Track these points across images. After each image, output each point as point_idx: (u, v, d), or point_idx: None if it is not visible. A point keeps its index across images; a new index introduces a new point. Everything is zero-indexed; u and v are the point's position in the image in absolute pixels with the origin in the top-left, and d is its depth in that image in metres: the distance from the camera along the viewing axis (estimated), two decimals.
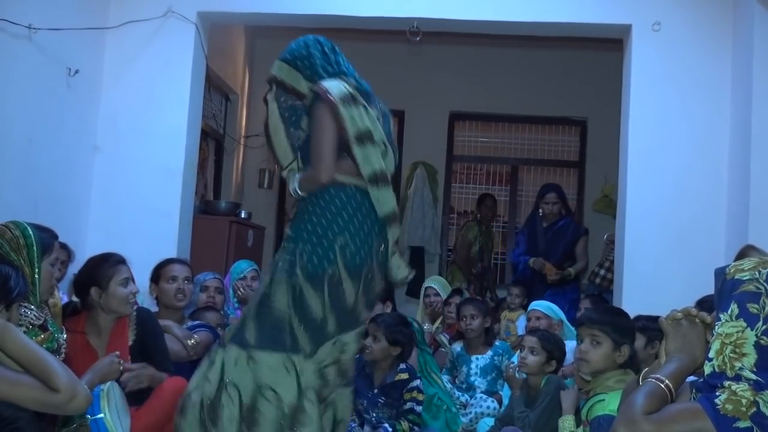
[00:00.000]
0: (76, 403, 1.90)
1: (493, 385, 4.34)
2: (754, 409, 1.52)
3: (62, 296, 3.33)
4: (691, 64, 4.51)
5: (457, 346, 4.54)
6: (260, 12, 4.85)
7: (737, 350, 1.59)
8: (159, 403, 2.90)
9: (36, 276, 2.51)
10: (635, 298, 4.31)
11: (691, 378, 1.78)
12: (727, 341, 1.61)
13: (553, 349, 3.47)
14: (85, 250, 4.16)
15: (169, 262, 3.76)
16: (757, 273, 1.65)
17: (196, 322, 3.58)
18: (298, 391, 2.65)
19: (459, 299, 5.04)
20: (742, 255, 2.94)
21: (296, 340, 2.68)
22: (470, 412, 4.06)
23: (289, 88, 3.00)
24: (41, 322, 2.49)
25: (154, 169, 4.71)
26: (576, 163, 8.10)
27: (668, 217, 4.45)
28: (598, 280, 6.05)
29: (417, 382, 3.70)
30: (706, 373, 1.63)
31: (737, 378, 1.57)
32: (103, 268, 3.02)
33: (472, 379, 4.32)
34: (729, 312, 1.63)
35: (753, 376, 1.56)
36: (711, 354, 1.63)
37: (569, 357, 3.60)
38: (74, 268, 3.68)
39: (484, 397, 4.16)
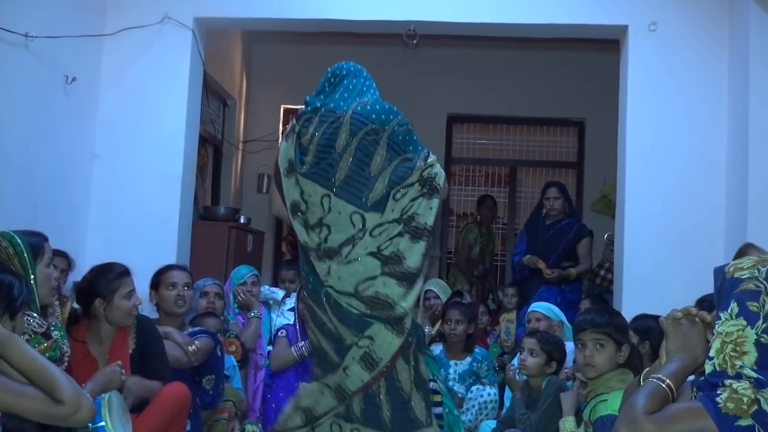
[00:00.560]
0: (81, 415, 1.90)
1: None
2: (756, 407, 1.52)
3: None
4: (688, 64, 4.52)
5: (437, 348, 4.52)
6: (257, 17, 4.85)
7: (738, 349, 1.59)
8: (159, 410, 2.90)
9: (32, 282, 2.50)
10: (635, 298, 4.32)
11: (692, 377, 1.78)
12: (727, 340, 1.61)
13: (553, 350, 3.47)
14: (84, 257, 4.16)
15: (168, 268, 3.75)
16: (756, 271, 1.65)
17: (197, 329, 3.58)
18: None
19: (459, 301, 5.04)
20: (741, 253, 2.95)
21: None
22: (472, 406, 4.05)
23: None
24: (44, 329, 2.49)
25: (153, 176, 4.71)
26: (574, 163, 8.10)
27: (667, 217, 4.45)
28: (598, 281, 6.04)
29: (432, 384, 3.70)
30: (706, 371, 1.63)
31: (738, 376, 1.57)
32: (108, 279, 3.02)
33: (450, 383, 4.31)
34: (729, 311, 1.63)
35: (754, 374, 1.56)
36: (711, 353, 1.63)
37: (570, 358, 3.60)
38: (74, 275, 3.69)
39: (480, 387, 4.15)
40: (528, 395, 3.49)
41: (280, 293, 4.76)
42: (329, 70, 3.09)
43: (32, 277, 2.50)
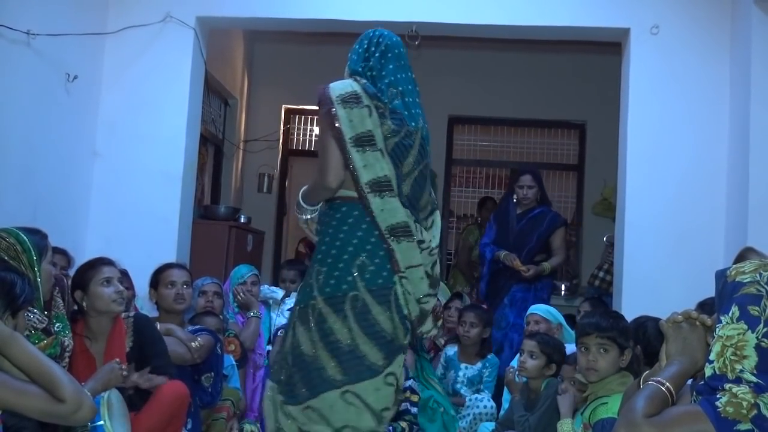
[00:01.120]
0: (82, 414, 1.90)
1: None
2: (755, 411, 1.52)
3: None
4: (690, 67, 4.52)
5: (450, 350, 4.51)
6: (259, 17, 4.86)
7: (738, 353, 1.59)
8: (158, 408, 2.90)
9: (38, 280, 2.51)
10: (635, 300, 4.31)
11: (692, 380, 1.78)
12: (727, 344, 1.61)
13: (553, 352, 3.47)
14: (84, 256, 4.15)
15: (167, 267, 3.76)
16: (758, 275, 1.65)
17: (197, 327, 3.58)
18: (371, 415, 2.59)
19: (459, 303, 5.03)
20: (741, 257, 2.94)
21: (327, 371, 2.58)
22: (468, 414, 4.05)
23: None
24: (44, 325, 2.49)
25: (154, 174, 4.72)
26: (575, 166, 8.10)
27: (667, 220, 4.45)
28: (597, 283, 6.03)
29: (409, 383, 3.70)
30: (706, 375, 1.63)
31: (738, 380, 1.56)
32: (83, 270, 3.04)
33: (458, 386, 4.31)
34: (730, 314, 1.63)
35: (754, 379, 1.55)
36: (712, 356, 1.63)
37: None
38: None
39: (480, 397, 4.14)
40: (527, 397, 3.49)
41: (279, 293, 4.76)
42: (374, 41, 2.85)
43: (38, 274, 2.51)
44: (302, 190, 2.80)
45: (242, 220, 5.88)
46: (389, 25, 4.77)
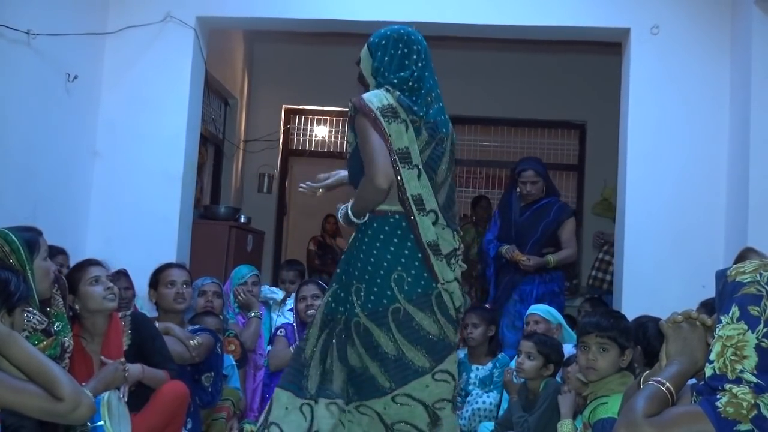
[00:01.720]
0: (80, 412, 1.90)
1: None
2: (755, 412, 1.52)
3: None
4: (690, 68, 4.51)
5: (461, 353, 4.49)
6: (259, 17, 4.86)
7: (738, 353, 1.59)
8: (158, 408, 2.90)
9: (30, 278, 2.50)
10: (635, 300, 4.31)
11: (692, 381, 1.78)
12: (728, 344, 1.61)
13: (550, 352, 3.47)
14: (84, 255, 4.14)
15: (167, 266, 3.76)
16: (758, 275, 1.65)
17: (196, 326, 3.58)
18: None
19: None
20: (741, 258, 2.94)
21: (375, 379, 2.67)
22: (467, 410, 4.04)
23: (360, 72, 2.91)
24: (44, 326, 2.49)
25: (154, 174, 4.72)
26: (575, 166, 8.10)
27: (667, 220, 4.45)
28: (591, 281, 6.03)
29: None
30: (706, 375, 1.63)
31: (738, 381, 1.56)
32: (71, 274, 3.03)
33: (470, 388, 4.30)
34: (730, 314, 1.63)
35: (754, 379, 1.55)
36: (712, 356, 1.63)
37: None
38: None
39: (479, 392, 4.14)
40: (525, 398, 3.48)
41: (279, 293, 4.76)
42: (402, 39, 2.83)
43: (30, 272, 2.50)
44: (349, 203, 2.77)
45: (242, 220, 5.88)
46: (389, 25, 4.81)
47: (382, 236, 2.71)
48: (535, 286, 4.63)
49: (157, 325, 3.29)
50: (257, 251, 6.21)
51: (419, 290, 2.68)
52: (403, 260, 2.68)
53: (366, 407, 2.69)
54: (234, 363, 3.86)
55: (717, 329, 1.65)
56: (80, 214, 4.65)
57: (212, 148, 7.07)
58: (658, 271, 4.40)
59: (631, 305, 4.22)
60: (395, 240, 2.70)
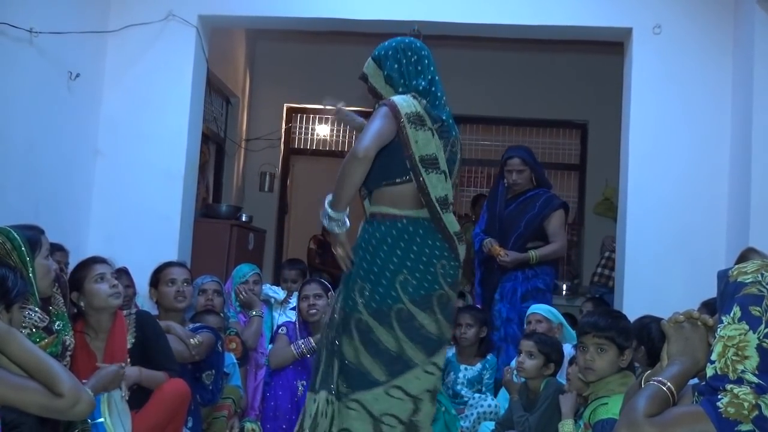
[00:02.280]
0: (80, 409, 1.90)
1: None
2: (756, 412, 1.52)
3: None
4: (692, 67, 4.51)
5: (449, 352, 4.47)
6: (261, 15, 4.86)
7: (740, 353, 1.59)
8: (159, 406, 2.90)
9: (31, 276, 2.50)
10: (636, 300, 4.31)
11: (693, 380, 1.78)
12: (729, 344, 1.61)
13: (551, 352, 3.46)
14: (86, 254, 4.15)
15: (167, 265, 3.76)
16: (760, 276, 1.65)
17: (197, 325, 3.58)
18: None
19: (461, 302, 5.02)
20: (743, 258, 2.93)
21: (371, 372, 2.75)
22: (471, 414, 4.03)
23: (369, 84, 2.97)
24: (45, 324, 2.49)
25: (155, 173, 4.72)
26: (577, 166, 8.09)
27: (669, 220, 4.45)
28: (596, 279, 6.03)
29: None
30: (708, 375, 1.63)
31: (739, 381, 1.56)
32: (77, 270, 3.04)
33: (459, 388, 4.30)
34: (731, 315, 1.63)
35: (755, 380, 1.55)
36: (713, 356, 1.63)
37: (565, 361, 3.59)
38: None
39: (483, 396, 4.13)
40: (526, 397, 3.48)
41: (280, 292, 4.76)
42: (410, 47, 2.92)
43: (31, 270, 2.50)
44: (327, 198, 2.80)
45: (244, 219, 5.88)
46: (391, 24, 4.81)
47: (390, 240, 2.79)
48: (519, 283, 4.45)
49: None
50: (258, 250, 6.22)
51: (422, 292, 2.77)
52: (408, 264, 2.77)
53: (354, 401, 2.75)
54: (235, 361, 3.86)
55: (718, 329, 1.65)
56: (82, 213, 4.65)
57: (214, 146, 7.07)
58: (660, 270, 4.40)
59: (632, 305, 4.22)
60: (402, 244, 2.78)
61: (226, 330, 3.91)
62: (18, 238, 2.49)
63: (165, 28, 4.74)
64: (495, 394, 4.18)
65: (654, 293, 4.28)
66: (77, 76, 4.38)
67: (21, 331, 2.10)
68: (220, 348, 3.53)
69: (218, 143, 7.10)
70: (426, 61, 2.92)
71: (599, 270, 6.05)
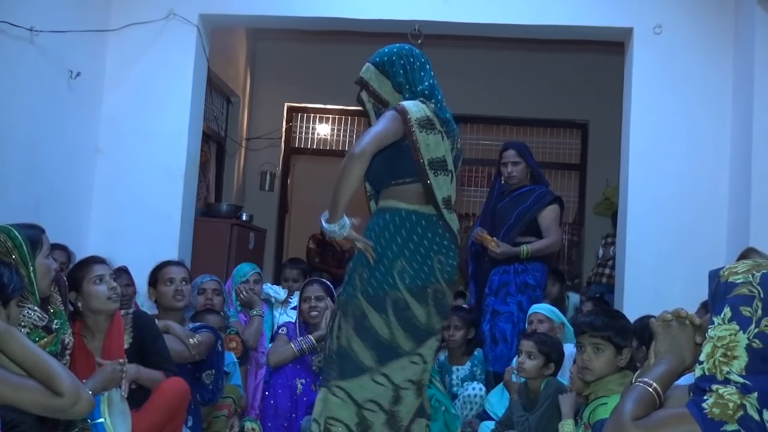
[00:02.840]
0: (80, 408, 1.90)
1: None
2: (741, 412, 1.52)
3: None
4: (693, 67, 4.51)
5: (441, 355, 4.47)
6: (262, 14, 4.86)
7: (729, 353, 1.59)
8: (159, 405, 2.90)
9: (32, 275, 2.50)
10: (636, 300, 4.32)
11: (689, 380, 1.78)
12: (719, 344, 1.61)
13: (551, 351, 3.46)
14: (86, 252, 4.16)
15: (165, 264, 3.75)
16: (750, 276, 1.65)
17: (197, 324, 3.58)
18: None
19: (462, 302, 5.01)
20: (743, 257, 2.93)
21: (362, 358, 2.82)
22: (459, 400, 4.08)
23: (371, 91, 3.03)
24: (44, 323, 2.49)
25: (156, 172, 4.72)
26: (577, 165, 8.09)
27: (669, 220, 4.45)
28: (605, 279, 6.02)
29: None
30: (696, 376, 1.63)
31: (726, 382, 1.57)
32: (76, 270, 3.03)
33: (455, 389, 4.31)
34: (722, 315, 1.64)
35: (741, 380, 1.56)
36: (702, 357, 1.63)
37: (568, 360, 3.59)
38: None
39: (466, 385, 4.17)
40: (526, 397, 3.48)
41: (281, 291, 4.76)
42: (411, 54, 3.03)
43: (32, 269, 2.50)
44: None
45: (244, 218, 5.88)
46: (392, 24, 4.82)
47: (392, 227, 2.87)
48: (510, 276, 4.38)
49: (157, 323, 3.29)
50: (259, 249, 6.22)
51: (419, 282, 2.84)
52: (407, 253, 2.84)
53: (340, 389, 2.81)
54: (235, 360, 3.87)
55: (709, 330, 1.65)
56: (82, 211, 4.65)
57: (214, 145, 7.07)
58: (660, 270, 4.40)
59: (633, 304, 4.23)
60: (403, 233, 2.86)
61: (227, 329, 3.91)
62: (19, 236, 2.49)
63: (166, 27, 4.75)
64: (488, 387, 4.20)
65: (654, 293, 4.29)
66: (78, 74, 4.39)
67: (20, 330, 2.10)
68: (220, 347, 3.52)
69: (219, 142, 7.10)
70: (427, 66, 3.03)
71: (607, 271, 6.05)
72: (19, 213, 3.60)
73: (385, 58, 3.00)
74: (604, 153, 7.00)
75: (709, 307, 1.72)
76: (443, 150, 2.90)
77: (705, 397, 1.56)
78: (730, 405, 1.53)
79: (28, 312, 2.41)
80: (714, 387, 1.57)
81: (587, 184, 7.93)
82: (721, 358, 1.59)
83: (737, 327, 1.60)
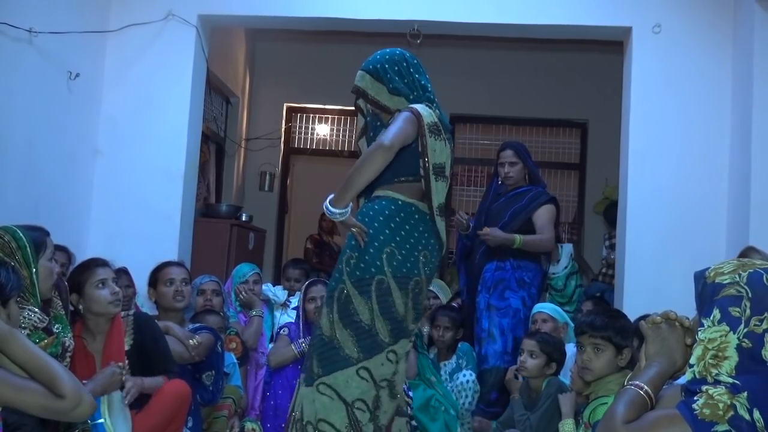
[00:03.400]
0: (81, 410, 1.90)
1: None
2: (732, 412, 1.52)
3: None
4: (692, 67, 4.51)
5: (431, 354, 4.48)
6: (261, 15, 4.86)
7: (719, 354, 1.60)
8: (159, 407, 2.90)
9: (34, 276, 2.50)
10: (636, 300, 4.32)
11: (685, 381, 1.78)
12: (709, 347, 1.62)
13: (553, 351, 3.47)
14: (86, 253, 4.16)
15: (165, 265, 3.76)
16: (737, 276, 1.65)
17: (197, 325, 3.58)
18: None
19: (460, 302, 5.02)
20: (743, 257, 2.94)
21: (350, 349, 2.84)
22: (450, 390, 4.10)
23: (371, 99, 3.06)
24: (45, 324, 2.49)
25: (155, 172, 4.72)
26: (577, 165, 8.08)
27: (669, 219, 4.45)
28: (600, 278, 6.02)
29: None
30: (687, 379, 1.64)
31: (716, 383, 1.57)
32: (78, 273, 3.02)
33: (446, 383, 4.32)
34: (711, 317, 1.64)
35: (730, 380, 1.56)
36: (692, 360, 1.64)
37: (570, 360, 3.59)
38: None
39: (456, 375, 4.21)
40: (528, 396, 3.49)
41: (280, 292, 4.76)
42: (403, 58, 3.06)
43: (34, 271, 2.50)
44: (331, 196, 2.88)
45: (244, 219, 5.88)
46: (391, 24, 4.82)
47: (387, 212, 2.92)
48: (508, 272, 4.37)
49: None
50: (258, 249, 6.22)
51: (404, 270, 2.88)
52: (397, 239, 2.89)
53: (326, 386, 2.83)
54: (235, 361, 3.87)
55: (699, 332, 1.65)
56: (82, 212, 4.65)
57: (214, 146, 7.07)
58: (660, 269, 4.40)
59: (633, 304, 4.23)
60: (397, 220, 2.91)
61: (227, 330, 3.91)
62: (24, 238, 2.50)
63: (165, 27, 4.75)
64: (482, 383, 4.22)
65: (654, 292, 4.29)
66: (77, 75, 4.39)
67: (20, 331, 2.10)
68: (219, 348, 3.53)
69: (218, 143, 7.10)
70: (421, 69, 3.08)
71: (603, 269, 6.05)
72: (19, 214, 3.60)
73: (378, 66, 3.03)
74: (604, 152, 7.00)
75: (696, 309, 1.72)
76: (444, 156, 2.97)
77: (695, 398, 1.56)
78: (721, 405, 1.53)
79: (28, 313, 2.41)
80: (704, 388, 1.57)
81: (587, 183, 7.93)
82: (710, 360, 1.60)
83: (727, 328, 1.61)
